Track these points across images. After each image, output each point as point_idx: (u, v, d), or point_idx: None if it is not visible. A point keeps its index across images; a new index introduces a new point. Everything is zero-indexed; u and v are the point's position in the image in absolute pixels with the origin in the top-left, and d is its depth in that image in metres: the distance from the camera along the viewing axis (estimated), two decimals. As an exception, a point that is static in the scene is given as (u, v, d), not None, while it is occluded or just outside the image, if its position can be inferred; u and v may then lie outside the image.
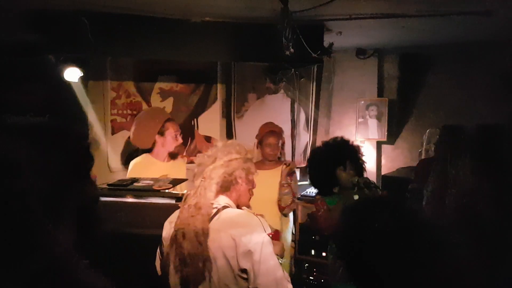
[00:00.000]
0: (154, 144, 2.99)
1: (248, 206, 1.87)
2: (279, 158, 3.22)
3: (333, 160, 2.35)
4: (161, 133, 2.97)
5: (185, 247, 1.61)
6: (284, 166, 3.03)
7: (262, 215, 1.76)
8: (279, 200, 3.01)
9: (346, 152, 2.38)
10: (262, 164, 3.05)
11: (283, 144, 3.22)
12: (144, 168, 2.93)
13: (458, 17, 2.91)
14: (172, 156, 3.10)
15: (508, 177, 3.32)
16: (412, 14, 2.91)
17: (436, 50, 4.01)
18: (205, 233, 1.61)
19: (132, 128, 3.07)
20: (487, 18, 2.90)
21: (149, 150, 3.03)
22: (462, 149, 2.83)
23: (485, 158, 3.19)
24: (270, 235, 1.67)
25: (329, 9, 2.69)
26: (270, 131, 3.07)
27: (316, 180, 2.46)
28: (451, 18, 2.92)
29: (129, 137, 3.28)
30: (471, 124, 3.63)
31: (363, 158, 2.43)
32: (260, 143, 3.08)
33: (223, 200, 1.74)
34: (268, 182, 2.96)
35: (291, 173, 3.08)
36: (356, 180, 2.24)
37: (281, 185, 3.00)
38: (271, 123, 3.19)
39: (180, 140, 3.05)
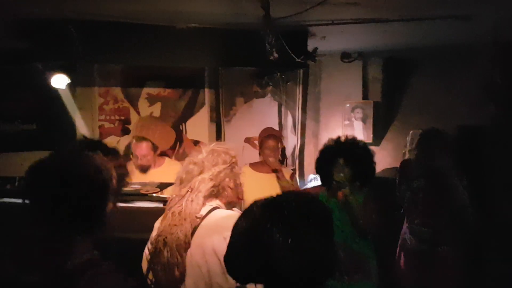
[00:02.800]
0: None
1: (238, 206, 1.91)
2: (280, 161, 3.32)
3: (335, 154, 2.47)
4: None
5: (165, 255, 1.63)
6: (273, 172, 3.12)
7: None
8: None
9: (348, 148, 2.48)
10: (262, 166, 3.16)
11: (283, 149, 3.33)
12: None
13: (439, 22, 2.98)
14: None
15: (488, 176, 3.41)
16: (393, 19, 2.98)
17: (419, 53, 4.10)
18: (187, 245, 1.64)
19: None
20: (467, 22, 2.97)
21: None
22: (441, 151, 2.93)
23: (466, 158, 3.29)
24: None
25: (311, 15, 2.76)
26: (269, 135, 3.20)
27: (321, 171, 2.57)
28: (432, 22, 3.00)
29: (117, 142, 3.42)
30: (453, 125, 3.75)
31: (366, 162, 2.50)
32: (260, 146, 3.20)
33: (213, 202, 1.76)
34: (271, 185, 3.04)
35: (292, 175, 3.27)
36: (339, 177, 2.38)
37: (282, 187, 3.07)
38: (270, 128, 3.36)
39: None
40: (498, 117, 3.65)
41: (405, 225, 3.08)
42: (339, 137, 2.55)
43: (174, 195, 1.78)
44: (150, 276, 1.73)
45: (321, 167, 2.54)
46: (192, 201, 1.70)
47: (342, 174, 2.41)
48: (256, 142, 3.48)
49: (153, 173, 3.19)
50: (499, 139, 3.55)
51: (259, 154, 3.28)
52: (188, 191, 1.73)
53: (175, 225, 1.66)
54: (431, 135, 3.04)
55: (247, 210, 1.17)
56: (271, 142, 3.15)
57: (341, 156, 2.43)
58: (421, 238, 2.94)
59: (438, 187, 2.92)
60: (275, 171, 3.09)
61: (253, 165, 3.23)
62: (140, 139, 3.22)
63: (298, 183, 4.62)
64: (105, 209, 1.20)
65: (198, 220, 1.69)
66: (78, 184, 1.13)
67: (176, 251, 1.62)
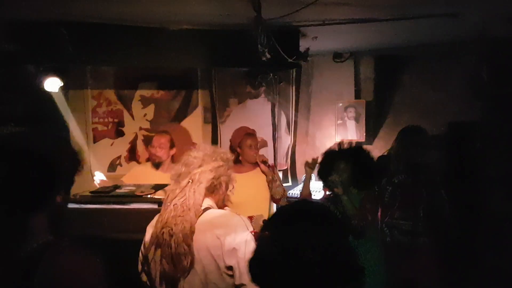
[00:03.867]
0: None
1: (227, 206, 1.94)
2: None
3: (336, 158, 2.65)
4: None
5: (173, 246, 1.64)
6: (262, 164, 3.13)
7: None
8: (273, 194, 3.14)
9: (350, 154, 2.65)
10: (241, 166, 3.13)
11: (260, 145, 3.36)
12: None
13: (427, 20, 3.02)
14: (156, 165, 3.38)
15: (478, 170, 3.47)
16: (384, 18, 3.02)
17: (409, 52, 4.15)
18: (192, 234, 1.65)
19: None
20: (454, 20, 3.01)
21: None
22: (419, 147, 3.00)
23: (456, 153, 3.34)
24: (253, 233, 1.73)
25: (302, 15, 2.78)
26: (247, 134, 3.18)
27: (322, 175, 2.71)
28: (421, 21, 3.04)
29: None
30: (443, 121, 3.81)
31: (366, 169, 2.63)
32: (240, 146, 3.15)
33: (206, 202, 1.79)
34: (255, 182, 3.08)
35: (272, 167, 3.27)
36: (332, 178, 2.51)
37: (270, 181, 3.13)
38: (245, 127, 3.31)
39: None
40: (486, 113, 3.71)
41: (383, 220, 3.12)
42: (342, 142, 2.74)
43: (173, 189, 1.80)
44: (144, 278, 1.75)
45: (322, 169, 2.71)
46: (194, 192, 1.73)
47: (336, 176, 2.55)
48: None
49: (161, 176, 3.27)
50: (487, 134, 3.61)
51: (237, 155, 3.19)
52: (189, 181, 1.76)
53: (180, 216, 1.68)
54: (410, 131, 3.10)
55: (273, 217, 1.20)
56: (250, 141, 3.14)
57: (339, 160, 2.59)
58: (402, 231, 3.00)
59: (417, 182, 2.99)
60: (264, 162, 3.13)
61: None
62: (162, 132, 3.46)
63: (291, 183, 4.67)
64: (54, 193, 1.18)
65: (201, 210, 1.72)
66: (25, 164, 1.11)
67: (183, 241, 1.63)
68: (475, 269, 3.26)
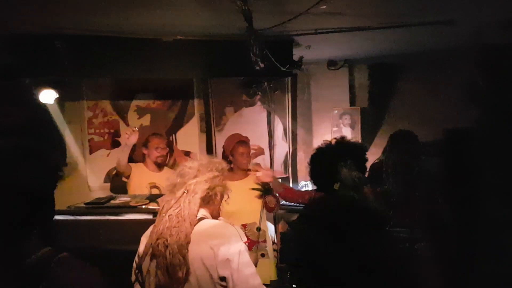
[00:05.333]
0: (143, 155, 3.51)
1: (220, 217, 1.94)
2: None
3: (337, 155, 2.42)
4: (145, 145, 3.48)
5: (168, 257, 1.63)
6: (256, 172, 3.09)
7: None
8: (267, 203, 3.11)
9: (349, 149, 2.47)
10: (233, 174, 3.10)
11: (257, 153, 3.35)
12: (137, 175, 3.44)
13: (421, 27, 3.04)
14: (158, 166, 3.52)
15: (474, 177, 3.48)
16: (376, 27, 3.05)
17: (403, 59, 4.18)
18: (188, 245, 1.65)
19: None
20: (448, 27, 3.04)
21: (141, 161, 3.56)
22: (410, 152, 2.99)
23: (453, 160, 3.35)
24: (247, 243, 1.73)
25: (295, 25, 2.81)
26: (239, 141, 3.14)
27: (316, 175, 2.51)
28: (414, 28, 3.05)
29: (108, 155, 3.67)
30: (439, 128, 3.81)
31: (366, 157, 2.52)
32: (232, 154, 3.14)
33: (201, 212, 1.78)
34: (247, 190, 3.06)
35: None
36: (356, 176, 2.33)
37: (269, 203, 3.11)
38: (237, 134, 3.27)
39: (162, 152, 3.48)
40: (482, 119, 3.72)
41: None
42: (331, 140, 2.56)
43: (168, 200, 1.79)
44: (149, 285, 1.74)
45: (322, 170, 2.52)
46: (189, 202, 1.73)
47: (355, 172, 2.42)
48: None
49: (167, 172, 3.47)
50: (483, 140, 3.62)
51: (230, 162, 3.14)
52: (184, 192, 1.75)
53: (175, 226, 1.67)
54: (400, 136, 3.09)
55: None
56: (243, 149, 3.11)
57: (348, 155, 2.42)
58: (400, 238, 3.00)
59: (409, 187, 2.98)
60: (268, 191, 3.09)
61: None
62: (157, 134, 3.60)
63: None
64: (38, 207, 1.19)
65: (197, 220, 1.71)
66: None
67: (178, 252, 1.63)
68: (473, 275, 3.25)
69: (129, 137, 3.33)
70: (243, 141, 3.16)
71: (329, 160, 2.45)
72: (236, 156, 3.10)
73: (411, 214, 2.95)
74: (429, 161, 3.07)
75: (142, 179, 3.40)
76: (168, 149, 3.59)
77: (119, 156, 3.40)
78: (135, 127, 3.47)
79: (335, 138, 2.56)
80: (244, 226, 2.99)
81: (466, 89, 3.77)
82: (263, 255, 2.97)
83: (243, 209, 2.97)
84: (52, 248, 1.16)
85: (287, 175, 4.70)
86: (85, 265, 1.17)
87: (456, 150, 3.64)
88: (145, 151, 3.50)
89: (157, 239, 1.69)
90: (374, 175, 3.13)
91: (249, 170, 3.17)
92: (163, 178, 3.19)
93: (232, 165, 3.12)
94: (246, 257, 1.66)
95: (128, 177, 3.45)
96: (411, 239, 2.96)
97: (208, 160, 1.88)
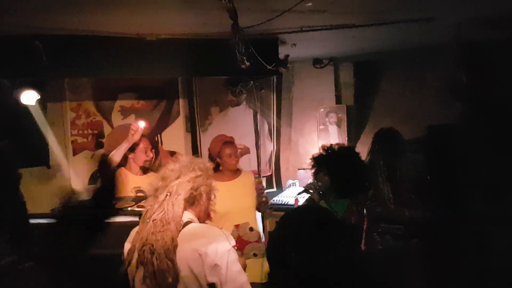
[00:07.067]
0: (126, 159, 3.29)
1: (210, 220, 1.91)
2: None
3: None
4: (132, 149, 3.26)
5: (155, 263, 1.59)
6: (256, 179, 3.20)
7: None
8: (259, 207, 3.15)
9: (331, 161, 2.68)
10: (222, 175, 3.08)
11: (243, 153, 3.34)
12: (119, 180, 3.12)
13: (403, 25, 3.07)
14: (144, 170, 3.35)
15: (458, 173, 3.52)
16: (360, 24, 3.06)
17: (387, 56, 4.21)
18: (175, 249, 1.61)
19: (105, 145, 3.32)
20: (430, 24, 3.06)
21: (123, 165, 3.30)
22: (394, 149, 3.03)
23: (437, 156, 3.38)
24: (236, 247, 1.69)
25: (280, 23, 2.80)
26: (225, 142, 3.10)
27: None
28: (397, 26, 3.08)
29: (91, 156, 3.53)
30: (423, 125, 3.85)
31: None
32: (220, 156, 3.10)
33: (186, 215, 1.75)
34: (238, 190, 3.05)
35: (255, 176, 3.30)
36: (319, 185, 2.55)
37: (259, 194, 3.13)
38: (222, 135, 3.22)
39: (151, 155, 3.34)
40: (465, 115, 3.77)
41: (369, 227, 3.13)
42: (330, 146, 2.73)
43: (151, 204, 1.75)
44: None
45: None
46: (173, 204, 1.69)
47: (314, 181, 2.59)
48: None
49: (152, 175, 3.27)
50: (466, 137, 3.67)
51: (217, 163, 3.12)
52: (167, 195, 1.72)
53: (160, 231, 1.64)
54: (384, 134, 3.13)
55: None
56: (230, 150, 3.07)
57: (321, 164, 2.63)
58: (395, 235, 3.02)
59: (397, 185, 3.02)
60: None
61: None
62: (143, 136, 3.36)
63: (275, 189, 4.67)
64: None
65: (182, 223, 1.68)
66: None
67: (165, 257, 1.59)
68: (458, 269, 3.29)
69: (134, 134, 3.19)
70: (229, 142, 3.12)
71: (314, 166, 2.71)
72: (224, 158, 3.06)
73: (400, 212, 2.98)
74: (413, 158, 3.09)
75: (126, 183, 3.22)
76: (154, 151, 3.47)
77: (113, 153, 3.20)
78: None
79: (331, 145, 2.76)
80: (236, 227, 2.97)
81: (449, 86, 3.81)
82: (255, 255, 2.95)
83: (235, 209, 2.95)
84: (19, 256, 1.12)
85: (271, 173, 4.70)
86: (50, 276, 1.12)
87: (440, 146, 3.68)
88: (130, 155, 3.30)
89: (143, 245, 1.65)
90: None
91: (238, 170, 3.15)
92: (148, 181, 3.16)
93: (221, 167, 3.10)
94: (233, 256, 1.63)
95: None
96: (406, 236, 2.98)
97: (190, 160, 1.84)
